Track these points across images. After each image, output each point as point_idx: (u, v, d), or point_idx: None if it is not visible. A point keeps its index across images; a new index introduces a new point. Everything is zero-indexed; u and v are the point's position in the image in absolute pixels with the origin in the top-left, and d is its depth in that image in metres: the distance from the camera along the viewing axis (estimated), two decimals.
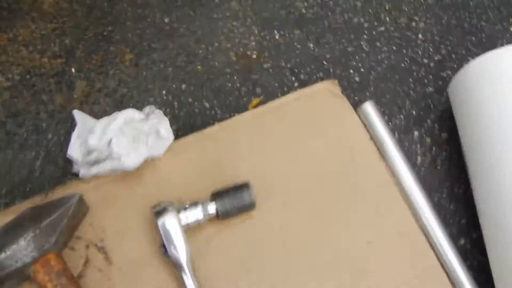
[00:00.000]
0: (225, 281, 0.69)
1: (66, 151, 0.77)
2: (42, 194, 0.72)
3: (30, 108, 0.80)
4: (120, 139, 0.70)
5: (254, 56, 0.83)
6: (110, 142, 0.70)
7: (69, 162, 0.77)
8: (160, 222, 0.66)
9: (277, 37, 0.84)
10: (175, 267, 0.67)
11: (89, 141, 0.70)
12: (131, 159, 0.70)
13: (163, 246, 0.67)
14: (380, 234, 0.72)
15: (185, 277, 0.66)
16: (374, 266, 0.70)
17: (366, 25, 0.87)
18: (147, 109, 0.73)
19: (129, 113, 0.71)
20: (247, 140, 0.76)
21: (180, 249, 0.66)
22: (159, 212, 0.67)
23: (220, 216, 0.69)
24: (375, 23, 0.87)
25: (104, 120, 0.71)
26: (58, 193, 0.72)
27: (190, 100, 0.80)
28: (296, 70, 0.82)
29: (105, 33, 0.84)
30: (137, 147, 0.71)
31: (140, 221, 0.72)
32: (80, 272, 0.69)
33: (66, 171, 0.77)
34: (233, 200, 0.69)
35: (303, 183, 0.74)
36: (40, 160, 0.77)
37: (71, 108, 0.80)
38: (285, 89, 0.81)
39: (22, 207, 0.71)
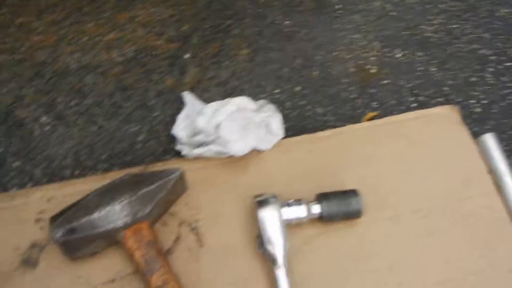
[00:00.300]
0: (318, 285, 0.65)
1: (169, 130, 0.77)
2: (141, 167, 0.71)
3: (139, 84, 0.80)
4: (229, 124, 0.68)
5: (373, 71, 0.80)
6: (218, 126, 0.68)
7: (171, 141, 0.76)
8: (261, 213, 0.63)
9: (398, 55, 0.82)
10: (269, 261, 0.63)
11: (197, 122, 0.69)
12: (237, 146, 0.68)
13: (260, 238, 0.64)
14: (489, 267, 0.66)
15: (278, 273, 0.62)
16: None
17: (492, 58, 0.83)
18: (261, 102, 0.71)
19: (242, 101, 0.69)
20: (359, 150, 0.73)
21: (278, 244, 0.63)
22: (262, 202, 0.64)
23: (324, 218, 0.66)
24: (503, 58, 0.84)
25: (215, 104, 0.70)
26: (157, 168, 0.71)
27: (302, 102, 0.78)
28: (415, 91, 0.79)
29: (223, 26, 0.84)
30: (245, 135, 0.69)
31: (237, 208, 0.69)
32: (170, 248, 0.67)
33: (167, 149, 0.76)
34: (340, 204, 0.66)
35: (413, 202, 0.70)
36: (143, 135, 0.77)
37: (180, 91, 0.79)
38: (402, 107, 0.78)
39: (120, 174, 0.70)
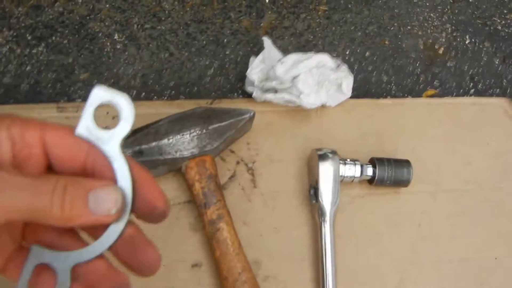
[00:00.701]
0: (355, 243, 0.70)
1: (239, 70, 0.80)
2: (207, 100, 0.75)
3: (215, 20, 0.82)
4: (307, 78, 0.71)
5: (441, 52, 0.83)
6: (296, 77, 0.71)
7: (239, 80, 0.79)
8: (322, 165, 0.67)
9: (467, 42, 0.84)
10: (317, 212, 0.68)
11: (276, 70, 0.72)
12: (310, 99, 0.71)
13: (313, 189, 0.69)
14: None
15: (324, 225, 0.67)
16: (494, 281, 0.71)
17: None
18: (338, 61, 0.74)
19: (324, 58, 0.72)
20: (414, 123, 0.77)
21: (331, 197, 0.67)
22: (323, 156, 0.68)
23: (375, 182, 0.70)
24: None
25: (296, 56, 0.72)
26: (224, 104, 0.74)
27: (370, 68, 0.81)
28: (475, 78, 0.82)
29: None
30: (319, 90, 0.72)
31: (293, 157, 0.74)
32: (224, 183, 0.71)
33: (234, 88, 0.79)
34: (393, 171, 0.70)
35: (452, 182, 0.75)
36: (212, 70, 0.79)
37: (255, 34, 0.82)
38: (461, 91, 0.82)
39: (187, 103, 0.74)
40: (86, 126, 0.34)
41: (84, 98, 0.77)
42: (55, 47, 0.79)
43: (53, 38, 0.80)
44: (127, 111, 0.33)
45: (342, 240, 0.69)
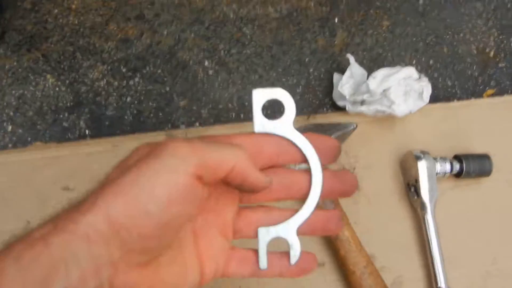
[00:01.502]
0: (452, 230, 0.81)
1: (323, 86, 0.89)
2: (304, 116, 0.84)
3: (294, 41, 0.91)
4: (397, 89, 0.81)
5: (491, 55, 0.95)
6: (388, 89, 0.81)
7: (326, 95, 0.88)
8: (421, 164, 0.78)
9: None
10: (419, 206, 0.78)
11: (370, 84, 0.81)
12: (401, 108, 0.81)
13: (413, 186, 0.79)
14: None
15: (428, 217, 0.78)
16: None
17: None
18: (418, 72, 0.84)
19: (410, 71, 0.82)
20: (483, 120, 0.87)
21: (431, 191, 0.78)
22: (419, 157, 0.79)
23: (463, 175, 0.81)
24: None
25: (385, 70, 0.82)
26: (319, 118, 0.84)
27: (435, 75, 0.92)
28: None
29: None
30: (406, 99, 0.82)
31: (387, 161, 0.84)
32: None
33: (322, 102, 0.88)
34: (477, 164, 0.81)
35: None
36: (300, 88, 0.88)
37: (331, 51, 0.91)
38: None
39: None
40: (260, 123, 0.43)
41: (187, 124, 0.85)
42: (151, 77, 0.87)
43: (147, 68, 0.87)
44: (287, 99, 0.43)
45: (440, 227, 0.79)
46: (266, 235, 0.43)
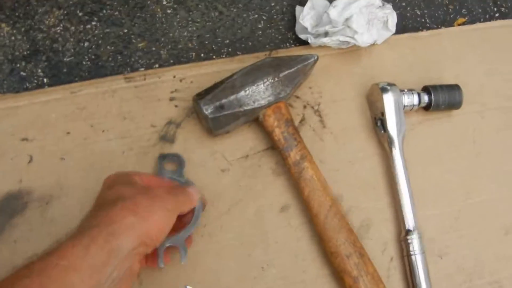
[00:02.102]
0: (421, 165, 0.77)
1: (287, 20, 0.84)
2: (265, 53, 0.79)
3: None
4: (359, 18, 0.76)
5: None
6: (349, 18, 0.76)
7: (289, 29, 0.83)
8: (386, 97, 0.73)
9: None
10: (386, 141, 0.74)
11: (330, 14, 0.76)
12: (364, 37, 0.76)
13: (379, 120, 0.75)
14: None
15: (395, 153, 0.73)
16: None
17: None
18: (381, 0, 0.79)
19: None
20: (453, 50, 0.83)
21: (398, 124, 0.73)
22: (385, 89, 0.74)
23: (432, 107, 0.77)
24: None
25: None
26: (281, 54, 0.78)
27: (403, 4, 0.87)
28: (498, 2, 0.89)
29: None
30: (370, 29, 0.77)
31: (353, 95, 0.79)
32: (296, 127, 0.75)
33: (285, 37, 0.83)
34: (447, 95, 0.76)
35: (498, 99, 0.82)
36: (262, 23, 0.83)
37: None
38: (487, 16, 0.89)
39: (246, 58, 0.78)
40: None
41: (146, 66, 0.80)
42: (108, 20, 0.81)
43: (104, 11, 0.82)
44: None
45: (409, 164, 0.75)
46: (164, 243, 0.61)
